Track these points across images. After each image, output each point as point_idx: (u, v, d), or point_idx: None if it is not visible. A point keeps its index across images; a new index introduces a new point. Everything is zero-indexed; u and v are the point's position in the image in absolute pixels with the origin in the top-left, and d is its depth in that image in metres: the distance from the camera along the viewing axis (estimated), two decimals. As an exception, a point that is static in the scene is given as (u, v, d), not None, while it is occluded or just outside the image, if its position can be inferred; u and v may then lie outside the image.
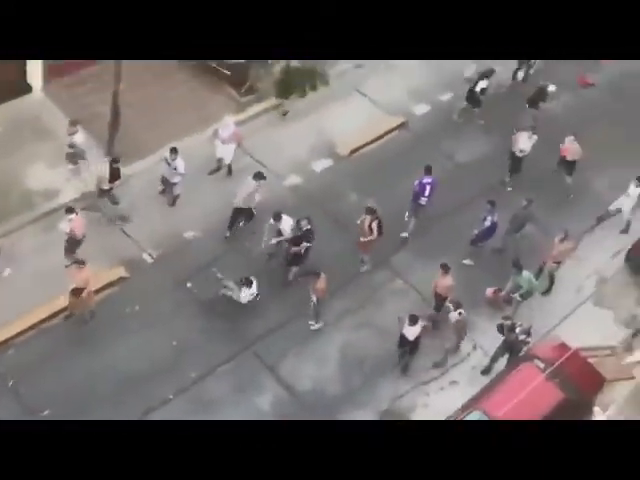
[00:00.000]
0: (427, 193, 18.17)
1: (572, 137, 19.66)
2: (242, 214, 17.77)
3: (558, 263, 17.99)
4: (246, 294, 16.55)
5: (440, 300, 16.98)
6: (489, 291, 17.56)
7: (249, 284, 16.50)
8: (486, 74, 21.01)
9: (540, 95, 21.27)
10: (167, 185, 18.08)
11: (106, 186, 17.38)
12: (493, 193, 18.99)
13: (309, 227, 16.96)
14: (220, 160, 18.92)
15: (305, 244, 17.00)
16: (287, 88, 20.31)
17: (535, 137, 19.73)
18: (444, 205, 18.90)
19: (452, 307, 16.25)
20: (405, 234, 18.54)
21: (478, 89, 21.01)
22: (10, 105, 18.77)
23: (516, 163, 20.02)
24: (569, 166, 19.90)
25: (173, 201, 18.26)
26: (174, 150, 17.54)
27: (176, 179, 17.82)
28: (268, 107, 20.73)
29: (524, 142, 19.74)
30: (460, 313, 16.19)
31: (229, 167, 18.98)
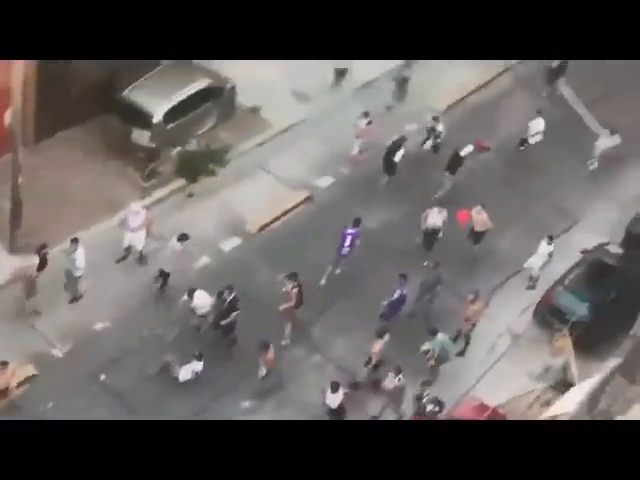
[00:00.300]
0: (347, 243, 18.64)
1: (479, 207, 19.93)
2: (163, 276, 18.02)
3: (473, 325, 18.30)
4: (187, 370, 16.45)
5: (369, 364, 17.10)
6: (422, 349, 17.50)
7: (199, 358, 16.46)
8: (399, 143, 21.21)
9: (455, 161, 21.44)
10: (69, 279, 17.64)
11: (34, 274, 17.00)
12: (402, 259, 19.32)
13: (233, 295, 17.05)
14: (128, 248, 18.67)
15: (234, 313, 17.11)
16: (189, 172, 20.37)
17: (445, 213, 19.88)
18: (357, 272, 19.15)
19: (394, 373, 16.29)
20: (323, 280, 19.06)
21: (397, 159, 21.17)
22: None
23: (428, 239, 20.07)
24: (478, 236, 20.22)
25: (74, 299, 17.84)
26: (74, 241, 17.25)
27: (78, 273, 17.40)
28: (174, 189, 20.71)
29: (434, 217, 19.87)
30: (399, 379, 16.24)
31: (140, 254, 18.76)
